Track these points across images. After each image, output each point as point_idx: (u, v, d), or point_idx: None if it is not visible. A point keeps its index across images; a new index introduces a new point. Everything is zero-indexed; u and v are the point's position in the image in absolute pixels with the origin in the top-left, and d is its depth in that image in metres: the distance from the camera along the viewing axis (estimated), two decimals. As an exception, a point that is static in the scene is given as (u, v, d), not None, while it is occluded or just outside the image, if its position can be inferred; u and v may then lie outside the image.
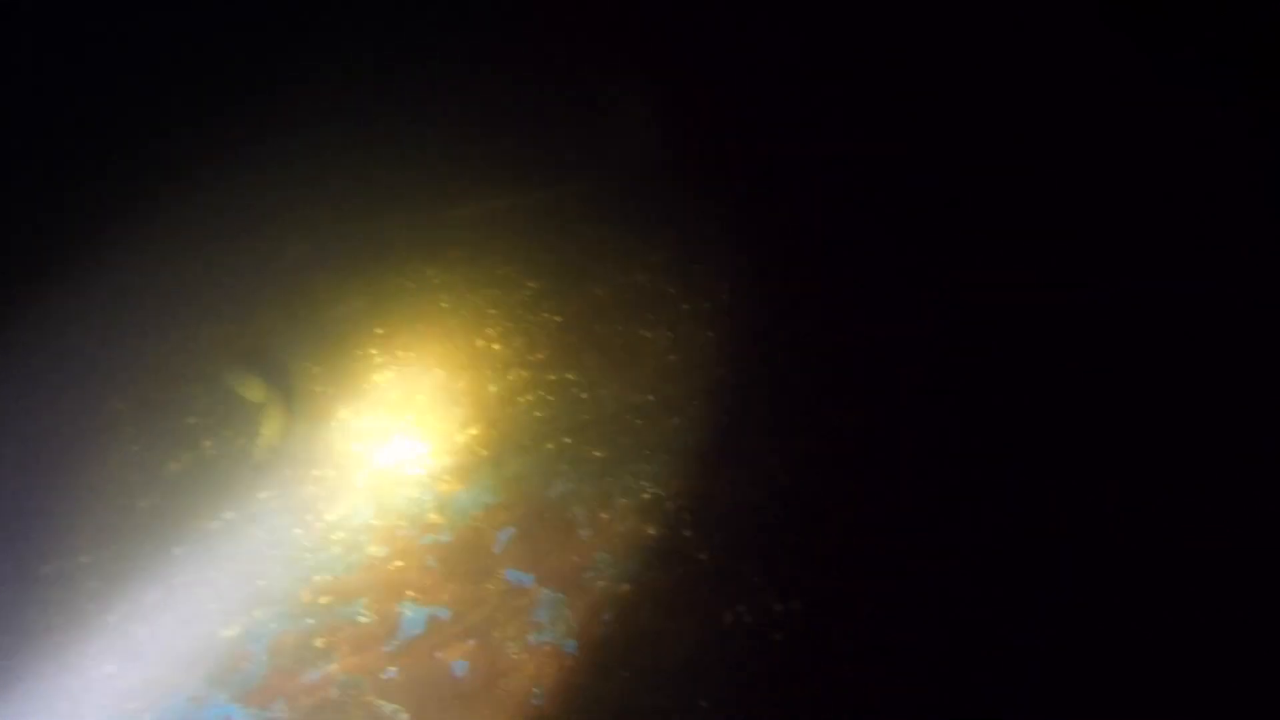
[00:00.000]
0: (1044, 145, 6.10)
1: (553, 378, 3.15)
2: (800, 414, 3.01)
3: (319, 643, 2.13)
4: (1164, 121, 5.52)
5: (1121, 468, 2.95)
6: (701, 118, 7.16)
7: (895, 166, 6.53)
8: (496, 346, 3.33)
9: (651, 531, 2.46)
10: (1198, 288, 4.40)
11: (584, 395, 3.06)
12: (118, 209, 5.18)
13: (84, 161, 5.22)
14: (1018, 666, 2.14)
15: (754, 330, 3.51)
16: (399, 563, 2.36)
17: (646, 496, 2.60)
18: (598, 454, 2.77)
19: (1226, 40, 5.15)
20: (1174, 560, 2.53)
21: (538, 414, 2.97)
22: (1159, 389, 3.51)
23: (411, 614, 2.22)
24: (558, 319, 3.51)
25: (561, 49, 6.62)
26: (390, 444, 2.80)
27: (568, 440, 2.83)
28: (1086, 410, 3.32)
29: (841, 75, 7.04)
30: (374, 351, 3.30)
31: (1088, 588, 2.40)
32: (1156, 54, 5.51)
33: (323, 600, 2.24)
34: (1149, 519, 2.69)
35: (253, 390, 2.99)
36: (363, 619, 2.19)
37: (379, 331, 3.42)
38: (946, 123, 6.68)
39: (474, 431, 2.87)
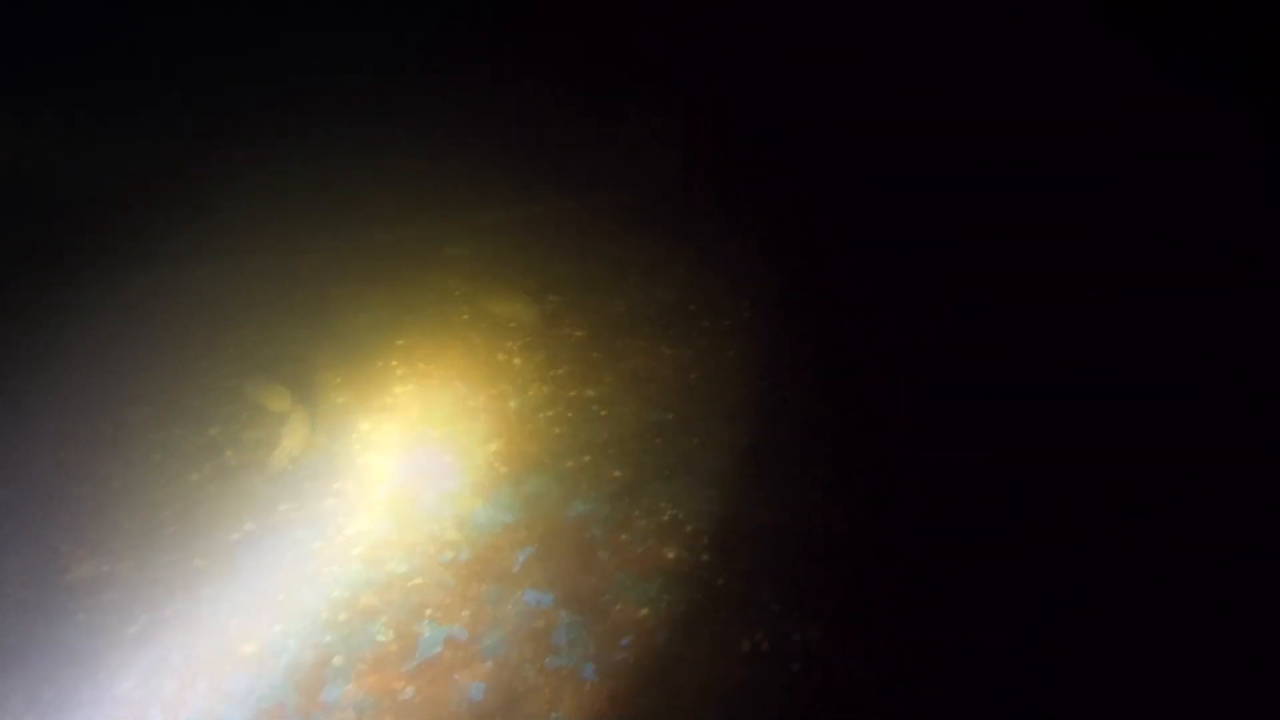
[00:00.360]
0: (1045, 145, 5.98)
1: (573, 394, 3.15)
2: (822, 436, 2.98)
3: (337, 660, 2.13)
4: (1164, 121, 5.52)
5: (1127, 472, 2.92)
6: (721, 132, 7.19)
7: (900, 170, 6.50)
8: (517, 361, 3.33)
9: (670, 555, 2.45)
10: (1199, 287, 4.36)
11: (604, 413, 3.05)
12: (140, 219, 5.25)
13: (110, 171, 5.30)
14: (1041, 686, 2.11)
15: (775, 349, 3.49)
16: (418, 580, 2.36)
17: (665, 518, 2.58)
18: (617, 473, 2.76)
19: (1226, 40, 5.10)
20: (1180, 564, 2.49)
21: (557, 430, 2.96)
22: (1160, 388, 3.49)
23: (429, 634, 2.21)
24: (579, 334, 3.51)
25: (585, 61, 6.66)
26: (410, 458, 2.80)
27: (587, 458, 2.82)
28: (1091, 412, 3.29)
29: (848, 81, 7.02)
30: (395, 363, 3.31)
31: (1096, 594, 2.38)
32: (1157, 54, 5.47)
33: (341, 617, 2.24)
34: (1155, 522, 2.67)
35: (275, 400, 3.01)
36: (381, 638, 2.19)
37: (400, 343, 3.43)
38: (948, 125, 6.52)
39: (494, 447, 2.87)
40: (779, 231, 5.30)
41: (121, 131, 5.48)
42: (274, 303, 3.75)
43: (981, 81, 6.36)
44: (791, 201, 6.11)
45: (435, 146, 5.82)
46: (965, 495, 2.78)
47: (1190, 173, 5.23)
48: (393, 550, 2.45)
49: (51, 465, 2.83)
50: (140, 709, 1.99)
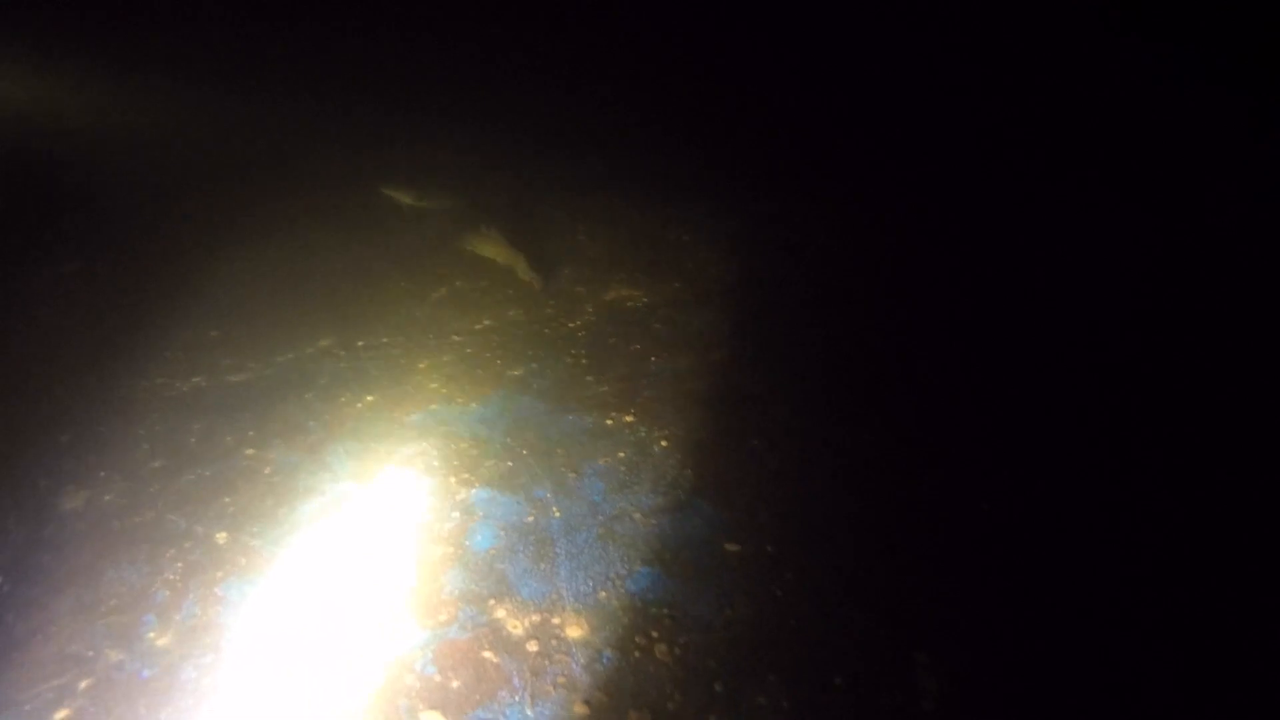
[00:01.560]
0: (1045, 145, 5.93)
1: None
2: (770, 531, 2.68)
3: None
4: (1164, 121, 5.46)
5: (1126, 472, 2.93)
6: (716, 127, 7.12)
7: (898, 170, 6.35)
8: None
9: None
10: (1199, 286, 4.38)
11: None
12: (127, 188, 5.27)
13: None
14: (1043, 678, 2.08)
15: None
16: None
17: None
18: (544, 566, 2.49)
19: (1226, 40, 5.04)
20: (1180, 562, 2.47)
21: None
22: (1159, 388, 3.50)
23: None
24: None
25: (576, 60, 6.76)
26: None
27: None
28: (1089, 411, 3.30)
29: (844, 78, 6.91)
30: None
31: (1098, 591, 2.37)
32: (1157, 53, 5.42)
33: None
34: (1155, 521, 2.65)
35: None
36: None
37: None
38: (947, 125, 6.46)
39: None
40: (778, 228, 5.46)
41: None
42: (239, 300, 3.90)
43: (981, 81, 6.29)
44: (787, 201, 6.07)
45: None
46: (963, 494, 2.81)
47: (1190, 172, 5.18)
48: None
49: (35, 417, 2.96)
50: (134, 615, 2.10)
